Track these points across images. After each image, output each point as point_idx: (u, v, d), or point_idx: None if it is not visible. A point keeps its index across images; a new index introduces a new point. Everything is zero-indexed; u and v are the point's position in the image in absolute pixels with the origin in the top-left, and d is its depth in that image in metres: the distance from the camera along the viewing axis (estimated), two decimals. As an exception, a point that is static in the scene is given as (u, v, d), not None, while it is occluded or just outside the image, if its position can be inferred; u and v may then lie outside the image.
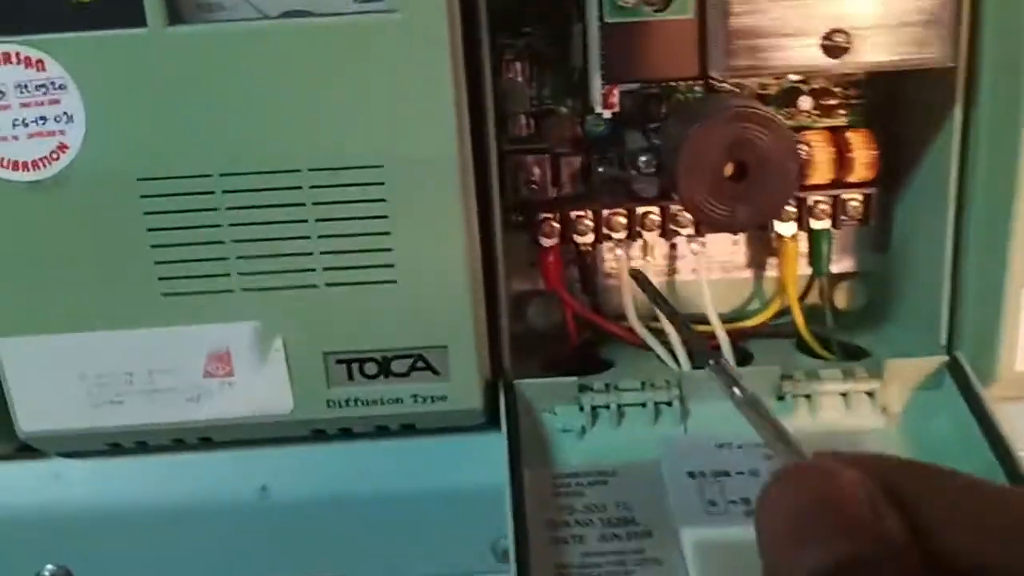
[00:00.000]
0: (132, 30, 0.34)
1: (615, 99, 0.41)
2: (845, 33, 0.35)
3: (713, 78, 0.38)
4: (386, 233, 0.37)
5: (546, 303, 0.47)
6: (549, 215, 0.44)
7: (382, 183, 0.36)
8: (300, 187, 0.36)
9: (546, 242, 0.44)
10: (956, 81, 0.38)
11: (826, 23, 0.35)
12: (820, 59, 0.36)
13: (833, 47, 0.35)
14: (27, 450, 0.42)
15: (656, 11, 0.36)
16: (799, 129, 0.43)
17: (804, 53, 0.36)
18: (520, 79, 0.42)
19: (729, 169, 0.37)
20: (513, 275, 0.46)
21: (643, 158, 0.39)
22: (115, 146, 0.35)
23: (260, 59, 0.34)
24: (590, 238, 0.44)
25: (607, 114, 0.42)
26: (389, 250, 0.37)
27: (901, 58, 0.36)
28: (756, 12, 0.35)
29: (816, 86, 0.43)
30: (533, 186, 0.43)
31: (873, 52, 0.36)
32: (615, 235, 0.44)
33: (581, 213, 0.44)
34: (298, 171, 0.36)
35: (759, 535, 0.18)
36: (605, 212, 0.44)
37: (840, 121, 0.44)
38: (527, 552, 0.35)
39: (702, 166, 0.36)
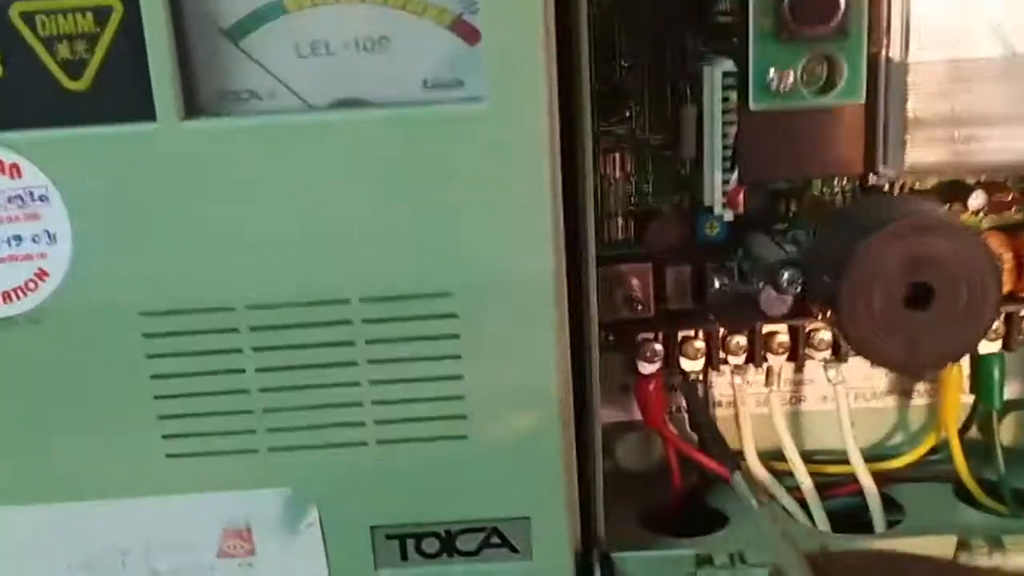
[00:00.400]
0: (136, 125, 0.26)
1: (741, 198, 0.33)
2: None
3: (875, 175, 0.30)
4: (457, 377, 0.28)
5: (642, 438, 0.39)
6: (650, 336, 0.36)
7: (454, 315, 0.28)
8: (349, 322, 0.28)
9: (646, 368, 0.36)
10: None
11: None
12: (1027, 153, 0.27)
13: (1047, 139, 0.27)
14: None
15: (816, 94, 0.27)
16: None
17: (1012, 145, 0.27)
18: (618, 173, 0.34)
19: (905, 294, 0.28)
20: (602, 404, 0.37)
21: (787, 273, 0.30)
22: (110, 273, 0.27)
23: (302, 161, 0.26)
24: (700, 363, 0.36)
25: (728, 215, 0.33)
26: (460, 398, 0.29)
27: None
28: (947, 94, 0.27)
29: (986, 178, 0.34)
30: (633, 302, 0.34)
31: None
32: (732, 360, 0.36)
33: (690, 334, 0.36)
34: (347, 302, 0.27)
35: None
36: (721, 333, 0.35)
37: (1016, 219, 0.35)
38: None
39: (872, 291, 0.28)
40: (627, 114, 0.34)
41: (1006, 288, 0.35)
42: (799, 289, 0.31)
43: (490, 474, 0.30)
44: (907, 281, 0.28)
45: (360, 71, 0.27)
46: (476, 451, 0.29)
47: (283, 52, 0.27)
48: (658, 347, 0.35)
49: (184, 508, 0.30)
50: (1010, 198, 0.34)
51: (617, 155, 0.34)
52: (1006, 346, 0.35)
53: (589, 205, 0.29)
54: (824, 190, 0.34)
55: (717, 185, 0.32)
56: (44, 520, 0.30)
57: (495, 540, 0.30)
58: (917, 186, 0.33)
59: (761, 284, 0.34)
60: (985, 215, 0.35)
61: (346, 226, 0.27)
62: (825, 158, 0.28)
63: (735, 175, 0.31)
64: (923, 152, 0.27)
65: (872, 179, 0.30)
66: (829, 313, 0.31)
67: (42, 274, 0.27)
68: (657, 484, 0.38)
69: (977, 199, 0.34)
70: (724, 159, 0.32)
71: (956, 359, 0.30)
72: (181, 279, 0.27)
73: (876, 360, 0.29)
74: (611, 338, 0.36)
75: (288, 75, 0.27)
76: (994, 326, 0.35)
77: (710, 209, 0.34)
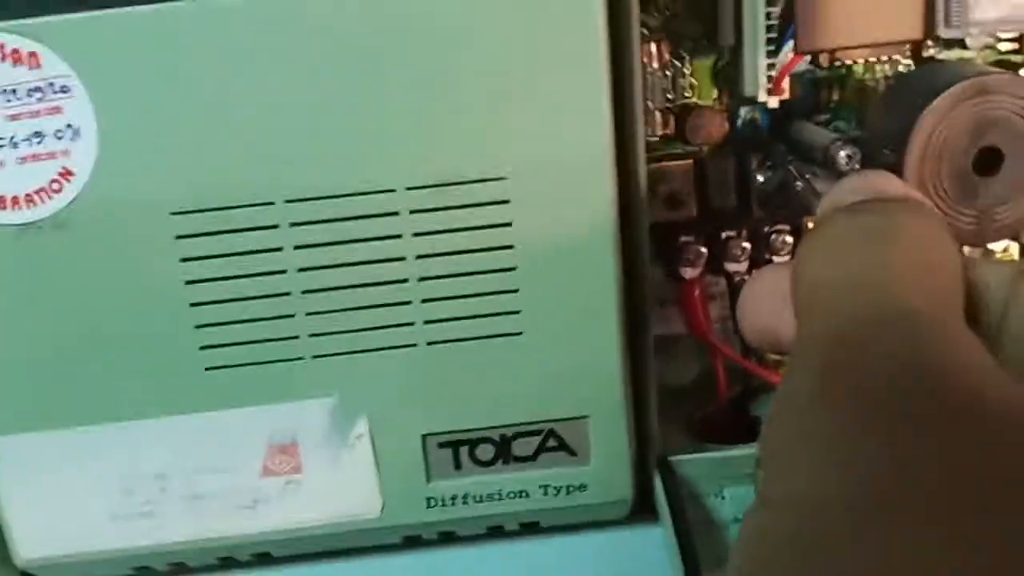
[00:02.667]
0: (162, 5, 0.24)
1: (787, 84, 0.31)
2: None
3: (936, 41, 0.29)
4: (510, 269, 0.27)
5: (683, 350, 0.37)
6: (690, 239, 0.34)
7: (506, 201, 0.26)
8: (396, 213, 0.26)
9: (689, 273, 0.34)
10: None
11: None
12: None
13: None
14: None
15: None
16: None
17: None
18: (655, 63, 0.33)
19: (973, 160, 0.27)
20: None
21: (844, 152, 0.29)
22: (139, 170, 0.26)
23: (341, 40, 0.25)
24: (745, 265, 0.35)
25: (773, 103, 0.32)
26: (514, 291, 0.27)
27: None
28: (1012, -56, 0.26)
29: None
30: (677, 197, 0.33)
31: None
32: (777, 260, 0.35)
33: (733, 234, 0.34)
34: (393, 191, 0.26)
35: None
36: (766, 231, 0.34)
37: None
38: None
39: (940, 159, 0.27)
40: (661, 3, 0.33)
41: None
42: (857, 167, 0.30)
43: (546, 372, 0.28)
44: (974, 146, 0.27)
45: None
46: (531, 348, 0.28)
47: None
48: (702, 249, 0.34)
49: (226, 425, 0.28)
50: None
51: (653, 46, 0.32)
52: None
53: (637, 86, 0.28)
54: (866, 75, 0.33)
55: (761, 70, 0.31)
56: (76, 446, 0.28)
57: (552, 443, 0.29)
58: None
59: (809, 175, 0.32)
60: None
61: (390, 109, 0.25)
62: (879, 23, 0.27)
63: (782, 54, 0.30)
64: (989, 6, 0.26)
65: (927, 51, 0.29)
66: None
67: (66, 173, 0.25)
68: (701, 397, 0.37)
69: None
70: (768, 42, 0.30)
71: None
72: (215, 173, 0.26)
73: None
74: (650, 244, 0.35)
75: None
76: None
77: (751, 100, 0.33)
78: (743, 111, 0.33)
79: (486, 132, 0.26)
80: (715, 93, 0.34)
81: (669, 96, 0.34)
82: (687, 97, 0.34)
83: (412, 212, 0.26)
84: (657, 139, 0.34)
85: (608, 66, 0.25)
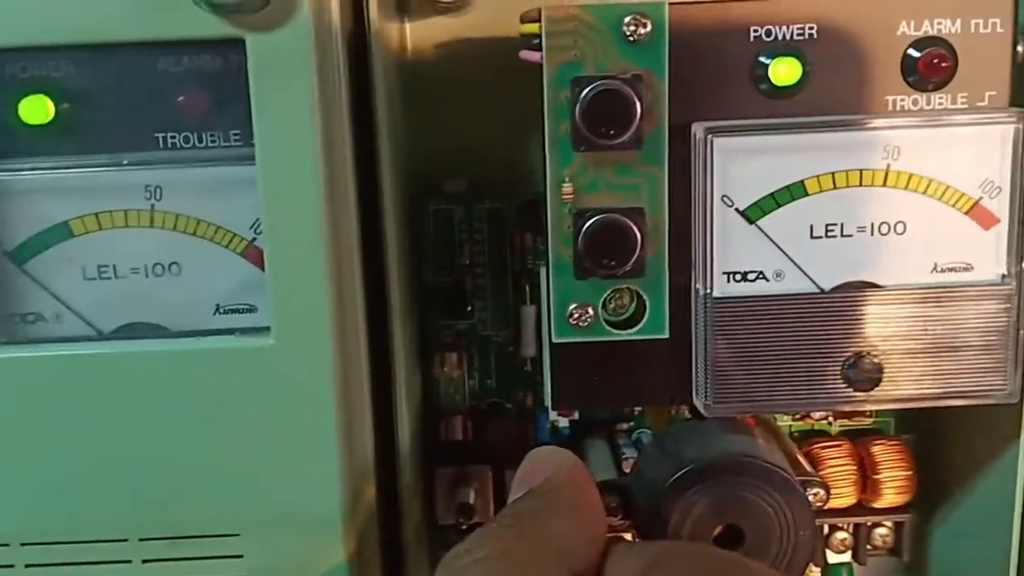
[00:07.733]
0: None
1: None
2: (874, 359, 0.26)
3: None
4: (246, 620, 0.27)
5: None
6: (491, 539, 0.34)
7: (240, 556, 0.26)
8: (129, 561, 0.26)
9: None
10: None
11: (848, 347, 0.26)
12: (842, 394, 0.27)
13: (859, 378, 0.26)
14: None
15: (618, 326, 0.27)
16: (812, 435, 0.34)
17: (821, 386, 0.27)
18: (455, 372, 0.33)
19: (716, 536, 0.27)
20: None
21: (611, 504, 0.29)
22: None
23: (79, 393, 0.25)
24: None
25: (563, 422, 0.32)
26: (253, 643, 0.27)
27: (948, 389, 0.27)
28: (753, 330, 0.26)
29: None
30: (469, 515, 0.33)
31: (914, 384, 0.27)
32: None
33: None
34: (125, 540, 0.26)
35: None
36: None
37: (864, 423, 0.34)
38: None
39: (689, 535, 0.26)
40: (468, 309, 0.33)
41: (853, 499, 0.34)
42: (621, 520, 0.29)
43: None
44: (718, 523, 0.27)
45: (150, 295, 0.26)
46: None
47: (69, 275, 0.26)
48: (500, 552, 0.34)
49: None
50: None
51: (455, 354, 0.33)
52: (855, 557, 0.34)
53: (403, 424, 0.28)
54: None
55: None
56: None
57: None
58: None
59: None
60: (833, 420, 0.34)
61: (125, 460, 0.25)
62: (636, 389, 0.27)
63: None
64: (734, 399, 0.26)
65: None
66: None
67: None
68: None
69: (819, 410, 0.33)
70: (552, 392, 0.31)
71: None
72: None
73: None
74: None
75: (74, 299, 0.26)
76: (843, 538, 0.34)
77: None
78: (545, 418, 0.34)
79: (218, 489, 0.26)
80: (520, 397, 0.34)
81: (474, 399, 0.34)
82: (491, 400, 0.34)
83: (144, 561, 0.26)
84: (458, 441, 0.34)
85: (340, 423, 0.25)
